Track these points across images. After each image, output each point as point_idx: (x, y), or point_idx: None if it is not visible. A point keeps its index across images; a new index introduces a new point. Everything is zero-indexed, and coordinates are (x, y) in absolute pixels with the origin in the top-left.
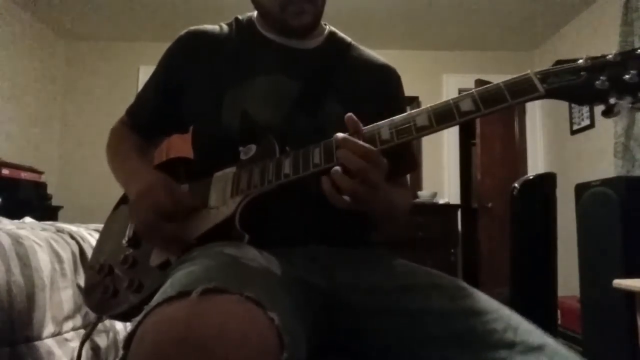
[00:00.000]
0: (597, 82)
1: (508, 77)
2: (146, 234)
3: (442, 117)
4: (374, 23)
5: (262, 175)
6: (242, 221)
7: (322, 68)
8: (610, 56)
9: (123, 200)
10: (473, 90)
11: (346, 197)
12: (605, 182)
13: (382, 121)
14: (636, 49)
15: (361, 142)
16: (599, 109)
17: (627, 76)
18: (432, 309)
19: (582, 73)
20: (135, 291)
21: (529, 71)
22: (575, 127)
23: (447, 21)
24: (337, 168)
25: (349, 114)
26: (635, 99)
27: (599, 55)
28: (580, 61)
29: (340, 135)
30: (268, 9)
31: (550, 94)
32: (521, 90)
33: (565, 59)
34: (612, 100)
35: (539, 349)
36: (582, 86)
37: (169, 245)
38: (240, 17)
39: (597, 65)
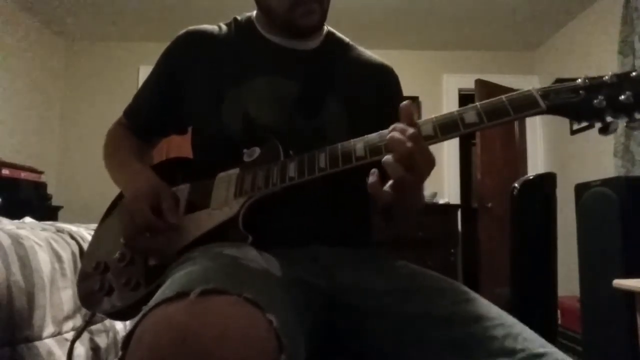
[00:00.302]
0: (594, 101)
1: (508, 77)
2: (129, 242)
3: (446, 128)
4: (374, 23)
5: (267, 178)
6: (244, 222)
7: (322, 69)
8: (607, 77)
9: (119, 199)
10: (477, 103)
11: (387, 190)
12: (605, 182)
13: (386, 130)
14: (631, 72)
15: (410, 127)
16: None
17: (622, 97)
18: (433, 313)
19: (580, 92)
20: (132, 290)
21: (531, 88)
22: (575, 127)
23: (447, 21)
24: (389, 156)
25: (407, 102)
26: (630, 119)
27: (596, 75)
28: (579, 80)
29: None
30: (275, 9)
31: (550, 110)
32: (524, 106)
33: (564, 78)
34: (608, 119)
35: (539, 357)
36: (580, 104)
37: (147, 255)
38: (238, 17)
39: (595, 85)
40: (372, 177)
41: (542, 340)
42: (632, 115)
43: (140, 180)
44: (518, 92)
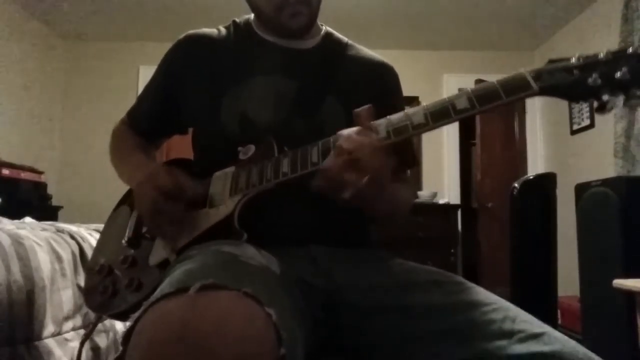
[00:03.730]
0: (589, 80)
1: None
2: (151, 218)
3: (438, 115)
4: (374, 23)
5: (261, 175)
6: (240, 220)
7: (320, 68)
8: (601, 55)
9: (123, 201)
10: (469, 88)
11: (346, 194)
12: (605, 182)
13: (379, 120)
14: (626, 49)
15: (363, 131)
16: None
17: (618, 74)
18: (431, 304)
19: (574, 71)
20: (134, 290)
21: (522, 69)
22: (575, 127)
23: (447, 21)
24: (334, 160)
25: (360, 109)
26: (628, 96)
27: (591, 54)
28: (573, 60)
29: (343, 130)
30: (263, 11)
31: (543, 91)
32: (515, 88)
33: (557, 58)
34: (604, 97)
35: (537, 336)
36: (574, 84)
37: (173, 228)
38: (237, 19)
39: (589, 63)
40: (319, 179)
41: (539, 321)
42: (629, 92)
43: (151, 165)
44: (509, 75)
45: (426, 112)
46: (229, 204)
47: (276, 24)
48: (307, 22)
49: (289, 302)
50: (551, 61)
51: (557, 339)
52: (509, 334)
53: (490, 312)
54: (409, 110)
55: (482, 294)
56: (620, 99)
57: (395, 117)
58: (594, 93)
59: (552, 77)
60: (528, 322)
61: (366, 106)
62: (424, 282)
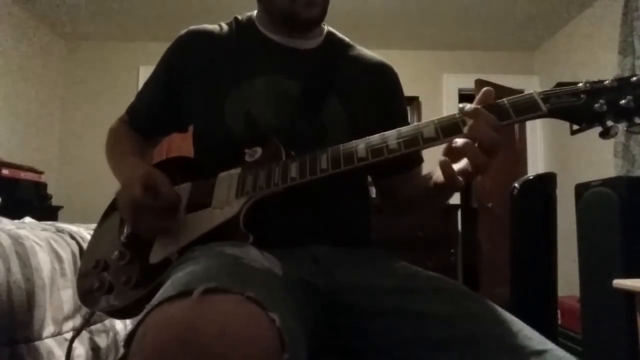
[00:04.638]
0: (595, 105)
1: (508, 77)
2: (130, 225)
3: (448, 130)
4: (374, 23)
5: (268, 178)
6: (245, 222)
7: (323, 68)
8: (608, 81)
9: (114, 206)
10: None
11: (461, 178)
12: (605, 182)
13: (390, 131)
14: (632, 77)
15: (492, 115)
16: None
17: (623, 101)
18: (433, 311)
19: (582, 96)
20: (132, 288)
21: (532, 91)
22: (575, 127)
23: (447, 21)
24: (469, 141)
25: (488, 88)
26: (630, 123)
27: (597, 79)
28: (580, 84)
29: (471, 105)
30: (276, 2)
31: (552, 114)
32: (525, 109)
33: (565, 82)
34: (609, 123)
35: (539, 354)
36: (581, 108)
37: (152, 236)
38: (239, 17)
39: (596, 89)
40: (447, 167)
41: (542, 338)
42: (632, 120)
43: (134, 169)
44: (519, 95)
45: (437, 127)
46: (235, 206)
47: (288, 14)
48: (319, 14)
49: (291, 304)
50: (559, 84)
51: (559, 358)
52: (511, 350)
53: (493, 326)
54: (419, 123)
55: (485, 305)
56: (622, 125)
57: (406, 129)
58: (599, 118)
59: (560, 101)
60: (530, 338)
61: (487, 88)
62: (427, 288)
